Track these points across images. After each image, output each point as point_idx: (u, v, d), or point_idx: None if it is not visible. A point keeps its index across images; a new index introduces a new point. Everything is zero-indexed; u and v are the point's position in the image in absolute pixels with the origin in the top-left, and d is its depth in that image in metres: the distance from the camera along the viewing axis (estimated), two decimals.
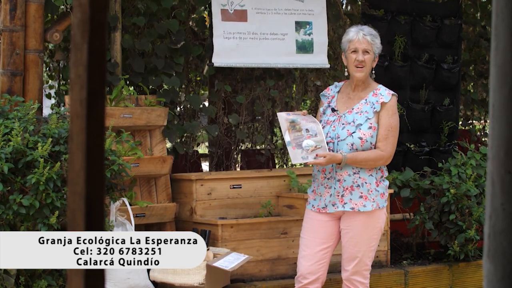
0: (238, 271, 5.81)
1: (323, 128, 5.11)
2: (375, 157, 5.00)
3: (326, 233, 5.10)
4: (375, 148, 5.02)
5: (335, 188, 5.03)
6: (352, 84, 5.16)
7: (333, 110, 5.15)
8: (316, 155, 4.97)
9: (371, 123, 5.03)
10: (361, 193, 5.00)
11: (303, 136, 5.02)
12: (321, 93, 5.36)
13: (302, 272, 5.14)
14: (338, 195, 5.02)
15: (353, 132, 5.01)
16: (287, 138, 5.05)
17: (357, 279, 5.10)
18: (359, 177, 5.00)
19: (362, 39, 5.10)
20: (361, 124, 5.02)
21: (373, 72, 5.24)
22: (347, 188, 5.01)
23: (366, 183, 5.01)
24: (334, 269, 5.85)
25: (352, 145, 4.99)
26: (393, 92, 5.14)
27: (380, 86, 5.18)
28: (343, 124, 5.06)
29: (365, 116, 5.04)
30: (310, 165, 5.30)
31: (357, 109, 5.08)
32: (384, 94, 5.10)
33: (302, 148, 5.01)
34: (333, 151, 5.02)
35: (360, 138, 4.99)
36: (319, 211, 5.10)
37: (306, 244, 5.13)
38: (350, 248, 5.05)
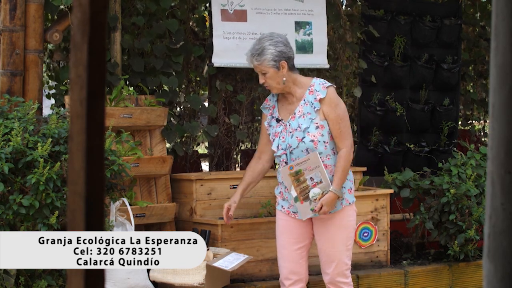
0: (238, 271, 5.81)
1: (272, 141, 5.05)
2: (345, 160, 4.93)
3: (299, 232, 5.09)
4: (332, 144, 4.94)
5: (291, 195, 4.99)
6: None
7: (277, 120, 5.06)
8: (318, 208, 4.89)
9: (317, 123, 4.93)
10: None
11: (309, 186, 4.91)
12: (261, 106, 5.24)
13: (284, 273, 5.13)
14: None
15: (303, 138, 4.93)
16: (293, 193, 4.92)
17: (341, 280, 5.09)
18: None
19: (252, 64, 4.99)
20: (308, 127, 4.93)
21: (285, 79, 5.00)
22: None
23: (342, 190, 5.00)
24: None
25: (306, 150, 4.92)
26: (327, 84, 4.99)
27: (314, 80, 5.03)
28: (290, 132, 4.97)
29: (308, 118, 4.94)
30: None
31: (299, 113, 4.97)
32: (320, 90, 4.96)
33: (309, 199, 4.94)
34: (286, 163, 4.97)
35: (312, 141, 4.91)
36: (289, 214, 5.09)
37: (282, 245, 5.13)
38: (327, 251, 5.04)
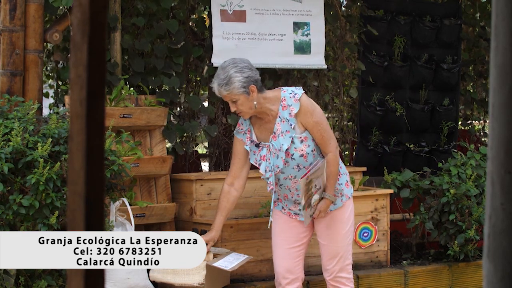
0: (238, 271, 5.81)
1: (259, 165, 4.99)
2: (333, 165, 4.90)
3: (297, 232, 5.10)
4: (320, 151, 4.93)
5: (301, 204, 4.99)
6: None
7: (257, 145, 4.99)
8: (316, 214, 4.91)
9: (300, 137, 4.88)
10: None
11: (313, 193, 4.89)
12: (235, 132, 5.14)
13: (280, 271, 5.13)
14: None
15: (293, 155, 4.88)
16: (302, 202, 4.89)
17: (343, 275, 5.10)
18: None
19: (220, 94, 4.90)
20: (289, 148, 4.87)
21: (254, 101, 4.89)
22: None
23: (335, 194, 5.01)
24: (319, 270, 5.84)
25: (298, 166, 4.90)
26: (298, 95, 4.88)
27: (283, 94, 4.91)
28: (275, 153, 4.91)
29: (288, 136, 4.88)
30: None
31: (277, 131, 4.91)
32: (292, 103, 4.88)
33: (311, 205, 4.94)
34: (275, 182, 4.95)
35: (302, 156, 4.88)
36: (290, 215, 5.09)
37: (280, 244, 5.13)
38: (330, 247, 5.05)
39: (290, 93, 4.91)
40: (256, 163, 5.04)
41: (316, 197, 4.90)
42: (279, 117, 4.90)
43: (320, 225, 5.07)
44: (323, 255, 5.11)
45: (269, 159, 4.94)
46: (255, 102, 4.87)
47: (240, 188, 5.16)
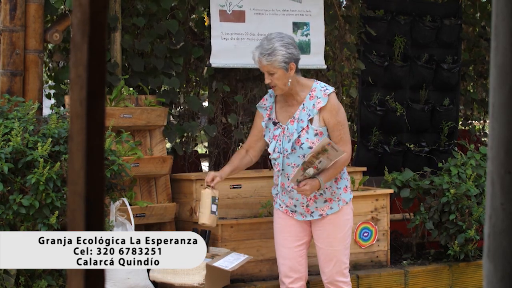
0: (238, 271, 5.81)
1: (270, 143, 5.03)
2: (342, 163, 4.91)
3: (297, 230, 5.09)
4: None
5: (297, 200, 5.00)
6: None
7: (274, 123, 5.03)
8: (300, 182, 4.87)
9: (316, 130, 4.92)
10: (325, 198, 4.99)
11: (313, 164, 4.88)
12: (258, 105, 5.19)
13: (284, 271, 5.13)
14: (303, 206, 5.01)
15: (302, 144, 4.91)
16: (306, 158, 4.89)
17: (339, 279, 5.09)
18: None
19: (259, 64, 4.93)
20: (298, 136, 4.90)
21: (290, 80, 4.95)
22: (310, 199, 4.99)
23: (327, 188, 4.98)
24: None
25: (303, 156, 4.90)
26: (329, 91, 4.95)
27: (315, 85, 4.98)
28: (288, 137, 4.95)
29: (300, 126, 4.92)
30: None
31: (297, 117, 4.95)
32: (321, 96, 4.93)
33: (303, 172, 4.93)
34: (281, 168, 4.96)
35: (310, 148, 4.89)
36: (287, 213, 5.09)
37: (281, 243, 5.13)
38: (326, 250, 5.04)
39: (322, 87, 4.96)
40: (268, 141, 5.06)
41: (311, 172, 4.87)
42: (303, 104, 4.95)
43: (316, 228, 5.07)
44: (319, 258, 5.11)
45: (280, 141, 4.95)
46: (290, 80, 4.91)
47: (254, 157, 5.23)
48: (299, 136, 4.92)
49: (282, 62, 4.87)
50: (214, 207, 4.97)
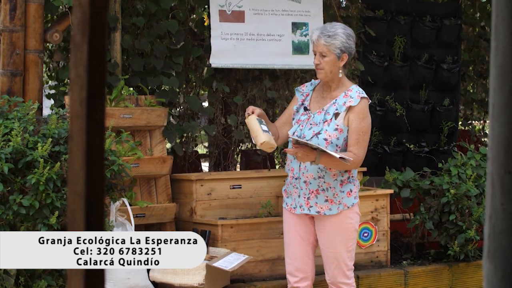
0: (238, 271, 5.81)
1: (293, 125, 5.06)
2: (353, 162, 4.87)
3: (303, 230, 5.09)
4: (344, 151, 4.92)
5: (301, 189, 5.00)
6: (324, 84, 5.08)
7: (305, 109, 5.07)
8: (294, 145, 4.84)
9: (337, 125, 4.93)
10: (327, 197, 4.96)
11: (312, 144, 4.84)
12: (296, 88, 5.25)
13: (290, 270, 5.14)
14: (305, 197, 5.00)
15: (318, 133, 4.93)
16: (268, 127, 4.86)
17: (341, 280, 5.07)
18: (324, 182, 4.94)
19: (317, 42, 4.95)
20: (328, 126, 4.93)
21: (340, 71, 5.03)
22: (312, 191, 4.98)
23: (330, 187, 4.96)
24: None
25: (317, 146, 4.89)
26: (363, 95, 5.00)
27: (353, 87, 5.04)
28: (310, 124, 4.98)
29: (323, 118, 4.95)
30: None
31: (325, 109, 4.99)
32: (354, 97, 4.96)
33: (304, 138, 4.88)
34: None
35: (325, 139, 4.90)
36: (291, 210, 5.10)
37: (288, 242, 5.13)
38: (327, 251, 5.03)
39: (358, 90, 5.02)
40: (293, 124, 5.07)
41: (312, 143, 4.81)
42: (336, 100, 4.99)
43: (318, 228, 5.07)
44: (323, 258, 5.11)
45: (302, 126, 4.99)
46: (340, 71, 4.97)
47: (278, 138, 5.11)
48: (320, 130, 4.94)
49: (338, 48, 4.92)
50: (264, 127, 4.87)
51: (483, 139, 8.21)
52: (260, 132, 4.78)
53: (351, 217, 5.01)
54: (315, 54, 4.98)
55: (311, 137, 4.92)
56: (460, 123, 8.08)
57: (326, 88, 5.05)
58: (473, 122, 8.41)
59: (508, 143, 1.60)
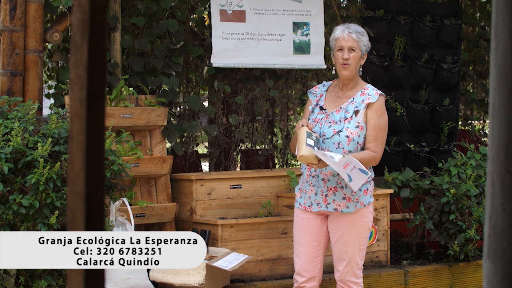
0: (238, 271, 5.81)
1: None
2: (368, 158, 4.91)
3: (315, 231, 5.08)
4: (363, 148, 4.97)
5: (319, 187, 5.00)
6: (340, 83, 5.11)
7: (321, 108, 5.10)
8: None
9: (358, 122, 4.97)
10: (345, 194, 4.97)
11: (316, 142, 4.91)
12: (309, 91, 5.29)
13: (298, 270, 5.13)
14: (322, 195, 5.00)
15: (340, 131, 4.97)
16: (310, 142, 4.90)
17: (350, 279, 5.07)
18: (343, 179, 4.97)
19: (348, 37, 5.04)
20: (342, 127, 4.95)
21: (361, 69, 5.14)
22: (330, 189, 4.98)
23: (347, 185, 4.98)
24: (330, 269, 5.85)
25: (338, 143, 4.93)
26: (380, 92, 5.08)
27: (369, 85, 5.13)
28: (329, 122, 5.01)
29: (344, 116, 4.99)
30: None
31: (344, 108, 5.04)
32: (372, 94, 5.04)
33: (324, 150, 4.92)
34: (318, 148, 4.98)
35: (347, 137, 4.94)
36: (305, 209, 5.09)
37: (299, 242, 5.12)
38: (339, 249, 5.03)
39: (375, 88, 5.12)
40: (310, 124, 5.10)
41: (336, 156, 4.80)
42: (353, 98, 5.05)
43: (332, 225, 5.06)
44: (333, 256, 5.10)
45: (321, 124, 5.02)
46: (360, 69, 5.08)
47: None
48: (341, 129, 4.96)
49: (365, 46, 5.08)
50: (309, 141, 4.92)
51: (483, 139, 8.21)
52: (303, 145, 4.85)
53: (366, 216, 5.04)
54: (342, 50, 5.03)
55: (332, 135, 4.96)
56: (460, 123, 8.08)
57: (342, 87, 5.11)
58: (473, 122, 8.41)
59: (508, 143, 1.60)
